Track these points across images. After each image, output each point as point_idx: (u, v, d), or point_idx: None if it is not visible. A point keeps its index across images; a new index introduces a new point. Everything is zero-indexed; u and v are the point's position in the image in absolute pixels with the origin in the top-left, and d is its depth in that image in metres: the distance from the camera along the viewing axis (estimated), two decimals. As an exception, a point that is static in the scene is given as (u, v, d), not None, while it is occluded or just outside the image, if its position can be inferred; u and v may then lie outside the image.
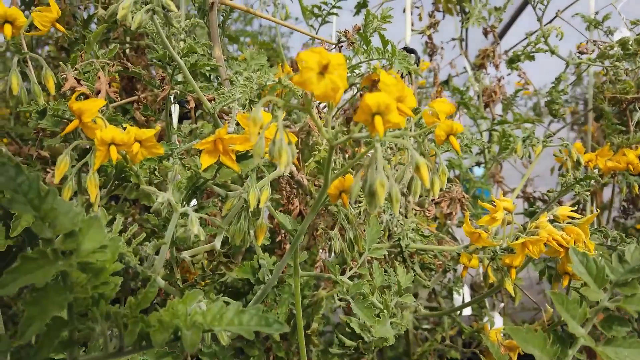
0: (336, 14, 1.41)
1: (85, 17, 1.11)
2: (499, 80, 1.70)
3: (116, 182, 0.67)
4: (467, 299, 1.22)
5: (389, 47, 0.92)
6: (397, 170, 0.57)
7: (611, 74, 1.44)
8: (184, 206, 0.52)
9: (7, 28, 0.51)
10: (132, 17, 0.54)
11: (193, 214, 0.49)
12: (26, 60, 0.59)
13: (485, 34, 1.72)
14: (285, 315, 0.80)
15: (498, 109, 1.79)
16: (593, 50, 1.55)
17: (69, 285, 0.41)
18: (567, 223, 0.74)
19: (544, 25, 1.44)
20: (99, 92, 0.71)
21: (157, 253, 0.53)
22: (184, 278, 0.64)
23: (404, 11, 1.50)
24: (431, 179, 0.50)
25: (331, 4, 1.37)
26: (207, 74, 0.91)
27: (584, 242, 0.73)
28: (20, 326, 0.36)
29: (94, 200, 0.49)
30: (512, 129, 1.55)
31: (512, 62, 1.43)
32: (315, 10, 1.39)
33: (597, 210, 1.40)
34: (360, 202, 0.77)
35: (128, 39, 1.15)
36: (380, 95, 0.40)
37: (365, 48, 0.93)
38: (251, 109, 0.76)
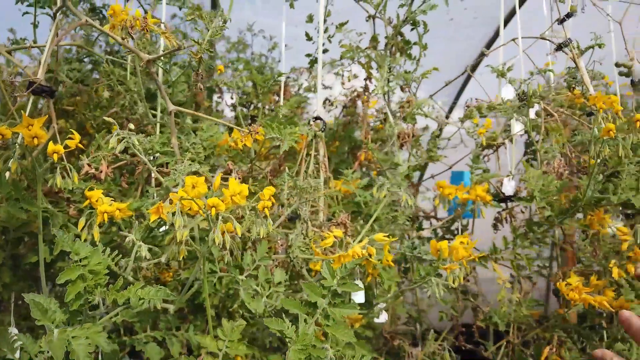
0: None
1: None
2: (413, 125, 2.23)
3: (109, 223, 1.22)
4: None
5: (285, 130, 1.45)
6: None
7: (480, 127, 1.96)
8: (140, 241, 1.06)
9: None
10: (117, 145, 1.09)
11: (144, 246, 1.04)
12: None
13: (402, 90, 2.25)
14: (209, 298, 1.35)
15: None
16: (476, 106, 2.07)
17: (84, 279, 0.95)
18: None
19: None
20: (102, 171, 1.27)
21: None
22: (145, 276, 1.19)
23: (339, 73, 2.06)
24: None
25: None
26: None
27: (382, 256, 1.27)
28: (66, 296, 0.90)
29: (97, 239, 1.04)
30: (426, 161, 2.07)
31: (405, 120, 1.96)
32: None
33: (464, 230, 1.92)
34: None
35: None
36: (214, 199, 0.94)
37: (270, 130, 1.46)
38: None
